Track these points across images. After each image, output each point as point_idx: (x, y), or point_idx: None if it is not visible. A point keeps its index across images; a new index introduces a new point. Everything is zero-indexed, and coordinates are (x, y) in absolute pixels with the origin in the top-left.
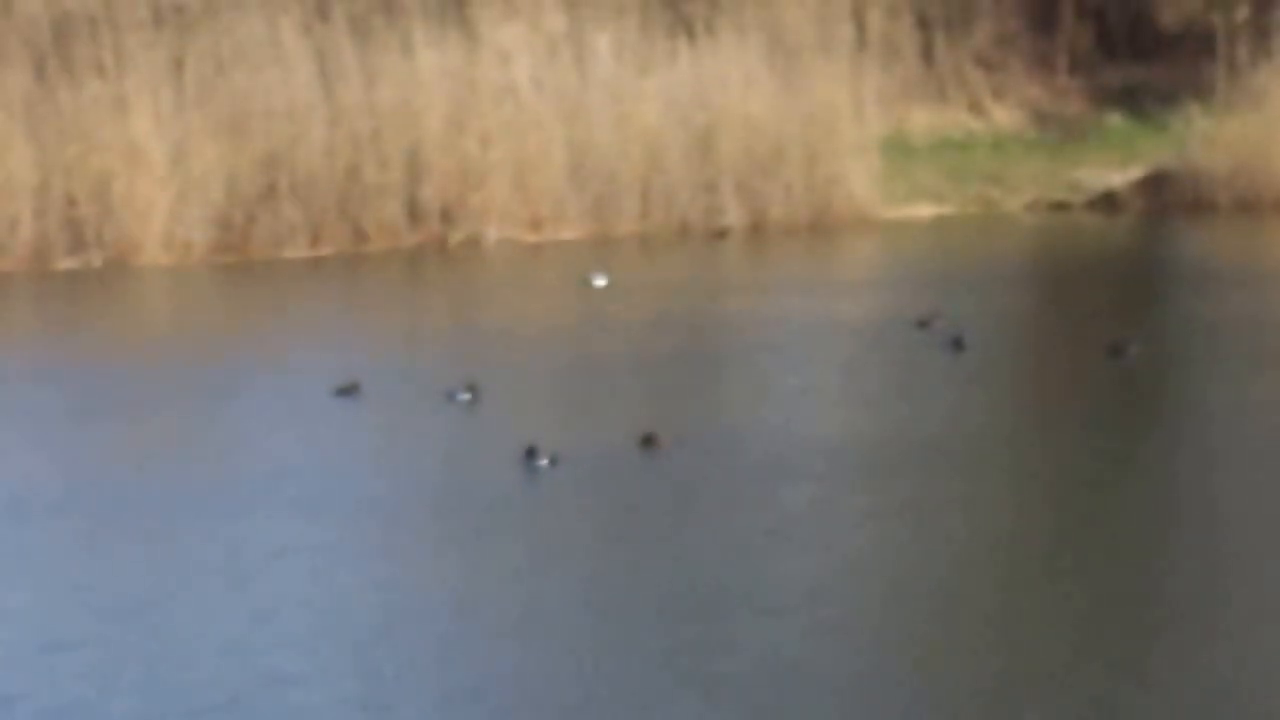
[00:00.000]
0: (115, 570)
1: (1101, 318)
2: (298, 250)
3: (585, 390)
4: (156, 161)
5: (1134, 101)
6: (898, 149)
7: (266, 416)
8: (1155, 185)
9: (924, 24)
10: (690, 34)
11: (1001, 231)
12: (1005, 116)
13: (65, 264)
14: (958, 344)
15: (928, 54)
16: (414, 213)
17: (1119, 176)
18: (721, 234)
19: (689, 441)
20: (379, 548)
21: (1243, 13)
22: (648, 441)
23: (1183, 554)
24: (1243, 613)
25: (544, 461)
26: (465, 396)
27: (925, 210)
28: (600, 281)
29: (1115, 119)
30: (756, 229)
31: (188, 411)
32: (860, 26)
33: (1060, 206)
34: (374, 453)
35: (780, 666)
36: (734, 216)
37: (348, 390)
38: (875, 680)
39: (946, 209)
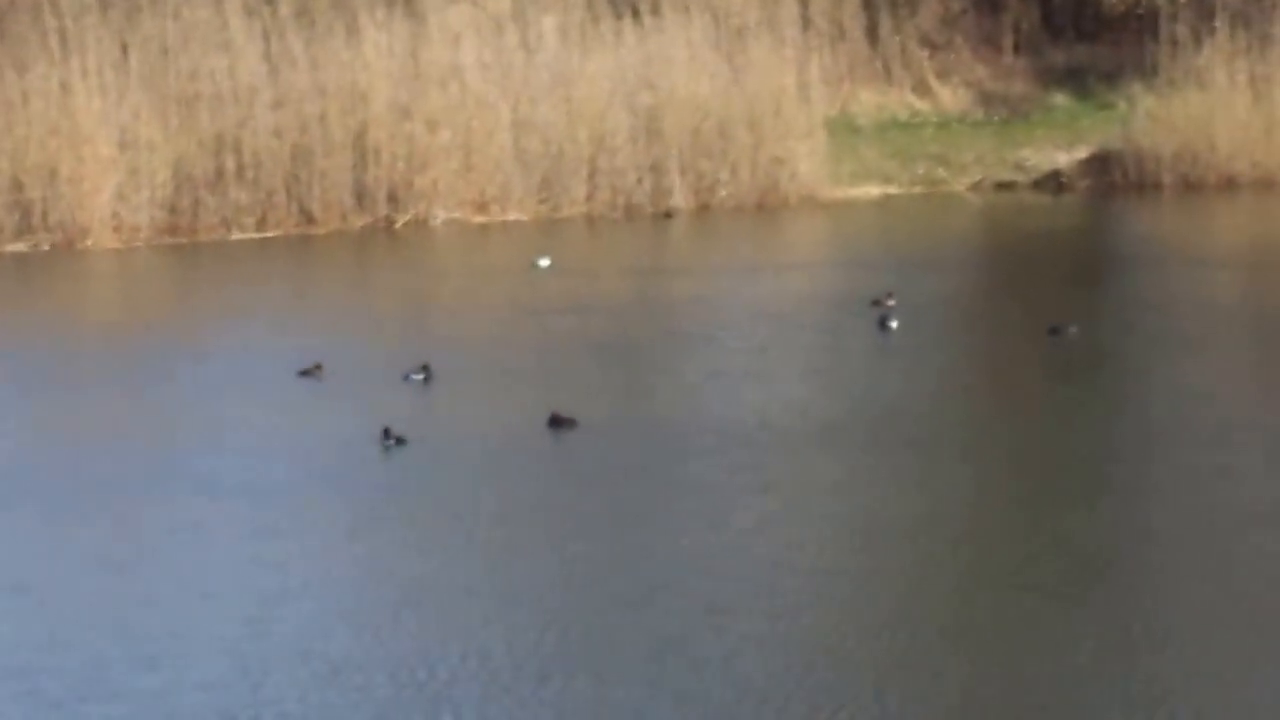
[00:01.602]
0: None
1: (1044, 297)
2: (245, 232)
3: (524, 372)
4: (103, 145)
5: (1079, 82)
6: (844, 129)
7: (225, 397)
8: (1100, 165)
9: (869, 4)
10: (635, 15)
11: (947, 211)
12: (951, 97)
13: (13, 247)
14: (893, 324)
15: (873, 34)
16: (361, 195)
17: (1064, 156)
18: (668, 215)
19: (605, 421)
20: (268, 528)
21: None
22: (556, 422)
23: (1105, 524)
24: (1166, 581)
25: (391, 441)
26: (419, 377)
27: (871, 190)
28: (545, 263)
29: (1060, 99)
30: (703, 210)
31: (136, 392)
32: (805, 7)
33: (1006, 186)
34: (313, 433)
35: (658, 644)
36: (680, 197)
37: (310, 371)
38: (752, 655)
39: (892, 189)
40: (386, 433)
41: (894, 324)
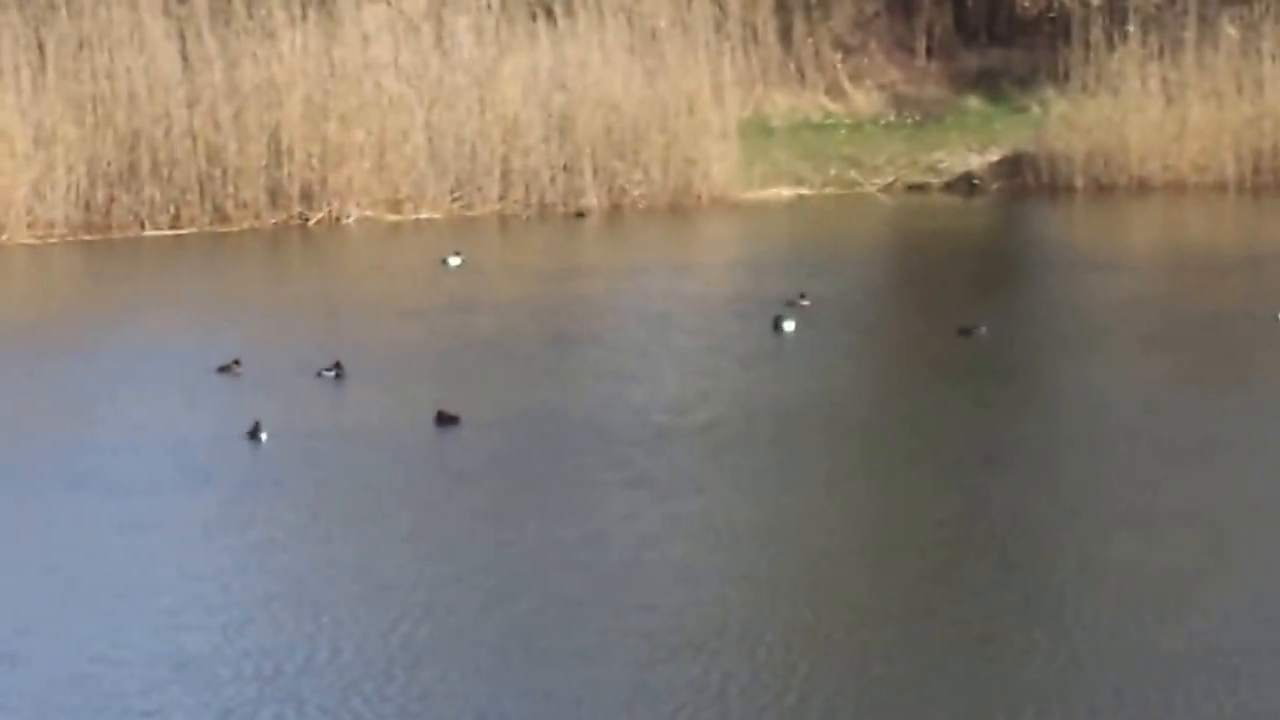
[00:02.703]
0: None
1: (955, 298)
2: (159, 229)
3: (427, 369)
4: (18, 142)
5: (991, 85)
6: (757, 131)
7: (141, 393)
8: (1012, 167)
9: (783, 7)
10: (550, 16)
11: (859, 213)
12: (864, 99)
13: None
14: (788, 326)
15: (787, 37)
16: (275, 193)
17: (977, 159)
18: (580, 215)
19: (489, 419)
20: (136, 523)
21: None
22: (442, 419)
23: (980, 517)
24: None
25: (264, 436)
26: (330, 374)
27: (784, 192)
28: (456, 261)
29: (973, 102)
30: (615, 210)
31: (47, 387)
32: (720, 9)
33: (918, 188)
34: (212, 428)
35: (510, 639)
36: (593, 197)
37: (228, 368)
38: (610, 651)
39: (805, 190)
40: (256, 428)
41: (788, 326)
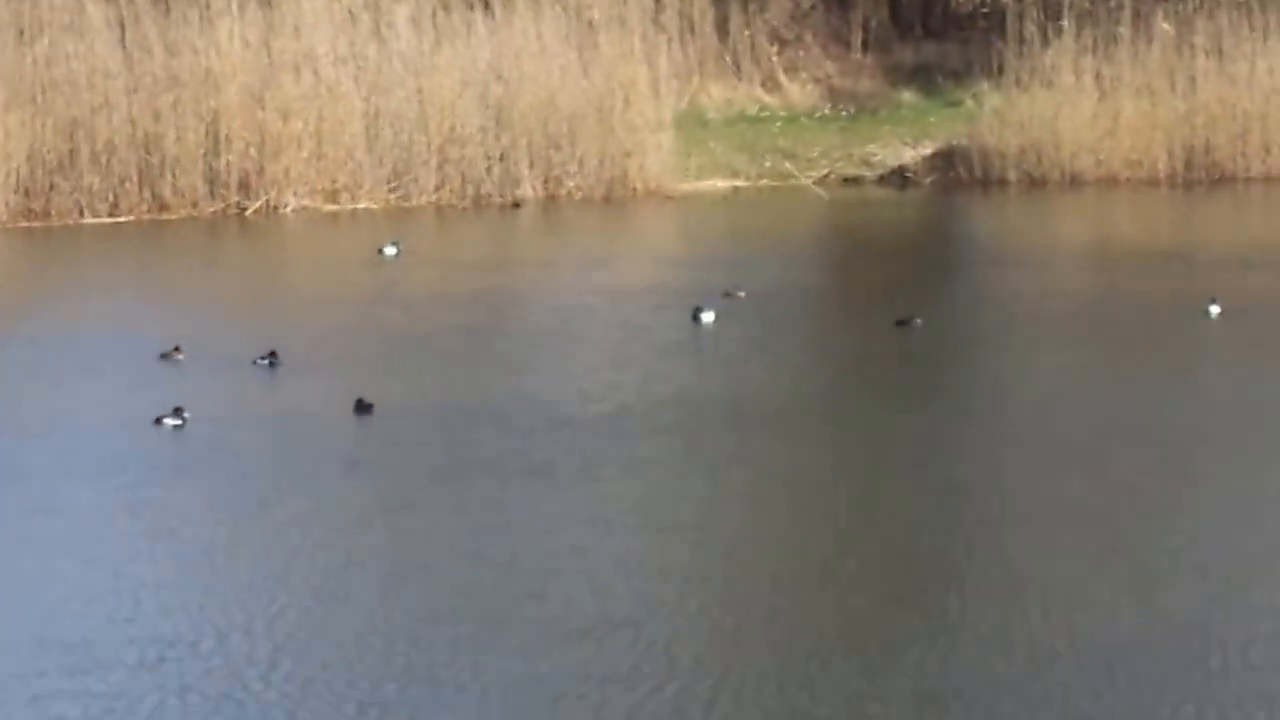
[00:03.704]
0: None
1: (890, 290)
2: (98, 217)
3: (358, 358)
4: None
5: (926, 79)
6: (692, 123)
7: (79, 379)
8: (946, 161)
9: (719, 0)
10: (487, 7)
11: (794, 205)
12: (799, 92)
13: None
14: (706, 317)
15: (723, 30)
16: (213, 181)
17: (911, 152)
18: (516, 205)
19: (402, 407)
20: (41, 509)
21: None
22: (360, 407)
23: (930, 504)
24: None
25: (171, 422)
26: (265, 362)
27: (719, 184)
28: (391, 251)
29: (908, 96)
30: (551, 201)
31: None
32: (656, 2)
33: (852, 181)
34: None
35: (396, 627)
36: (529, 188)
37: (169, 355)
38: (491, 638)
39: (740, 182)
40: (179, 413)
41: (706, 317)
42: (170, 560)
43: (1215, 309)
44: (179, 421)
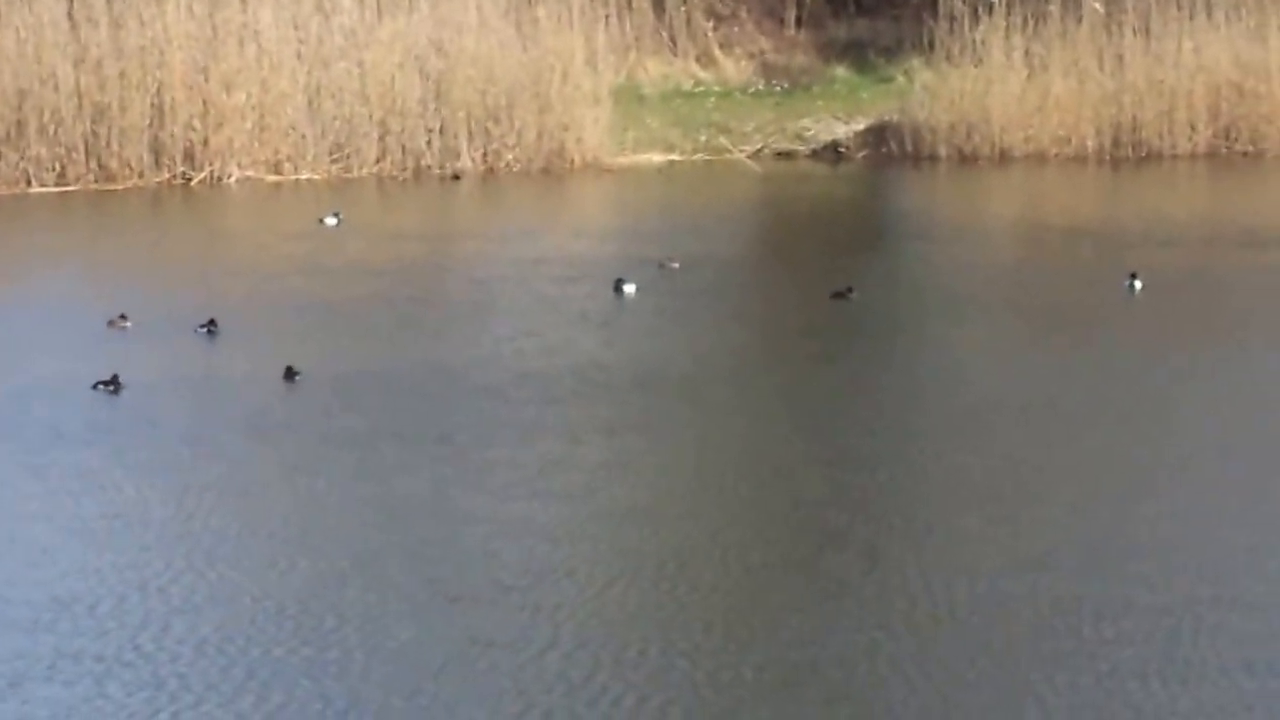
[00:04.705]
0: None
1: (824, 263)
2: (45, 187)
3: (294, 327)
4: None
5: (859, 55)
6: (629, 98)
7: (21, 347)
8: (878, 136)
9: None
10: None
11: (729, 179)
12: (734, 68)
13: None
14: (629, 289)
15: (659, 6)
16: (158, 152)
17: (843, 127)
18: (455, 177)
19: (329, 375)
20: None
21: None
22: (290, 374)
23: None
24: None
25: (109, 387)
26: (204, 331)
27: (655, 158)
28: (333, 222)
29: (840, 72)
30: (490, 173)
31: None
32: None
33: (786, 155)
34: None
35: (281, 587)
36: (468, 160)
37: (115, 322)
38: (391, 606)
39: (675, 156)
40: (114, 380)
41: (629, 288)
42: (66, 523)
43: (1138, 284)
44: (113, 387)
